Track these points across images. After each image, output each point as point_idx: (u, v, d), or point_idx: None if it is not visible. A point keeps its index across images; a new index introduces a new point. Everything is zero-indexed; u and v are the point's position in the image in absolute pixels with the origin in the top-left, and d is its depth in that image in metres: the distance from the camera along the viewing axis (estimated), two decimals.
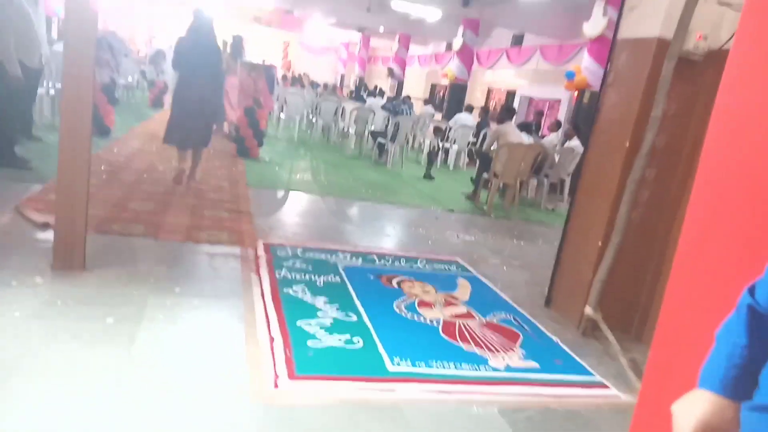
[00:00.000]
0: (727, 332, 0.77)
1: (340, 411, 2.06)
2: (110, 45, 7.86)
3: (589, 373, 2.72)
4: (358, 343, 2.57)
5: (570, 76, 9.07)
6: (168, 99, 11.38)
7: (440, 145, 9.36)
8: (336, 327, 2.68)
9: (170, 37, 17.30)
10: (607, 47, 7.98)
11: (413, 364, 2.46)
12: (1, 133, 4.48)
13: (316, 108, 10.25)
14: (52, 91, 7.02)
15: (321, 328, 2.64)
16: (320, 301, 2.94)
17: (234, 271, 3.20)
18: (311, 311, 2.81)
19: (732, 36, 2.82)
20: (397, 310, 3.04)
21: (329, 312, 2.83)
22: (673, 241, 3.18)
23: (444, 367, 2.49)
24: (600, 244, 3.18)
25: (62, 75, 2.68)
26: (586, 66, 8.72)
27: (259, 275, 3.17)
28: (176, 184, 4.87)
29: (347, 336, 2.60)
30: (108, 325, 2.34)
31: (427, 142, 9.55)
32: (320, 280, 3.25)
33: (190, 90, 4.60)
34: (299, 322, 2.65)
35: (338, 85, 16.72)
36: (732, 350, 0.75)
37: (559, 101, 13.16)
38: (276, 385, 2.11)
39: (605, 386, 2.62)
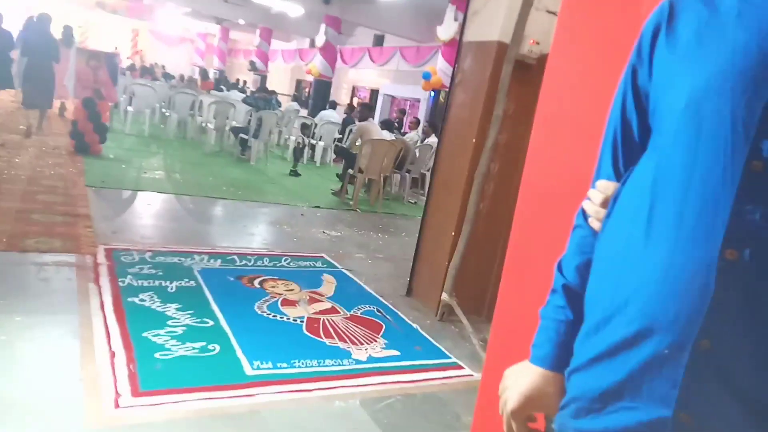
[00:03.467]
0: (551, 310, 0.82)
1: (192, 424, 1.92)
2: None
3: (446, 356, 2.86)
4: (215, 350, 2.42)
5: (426, 76, 9.53)
6: None
7: (306, 142, 9.27)
8: (189, 335, 2.50)
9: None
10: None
11: (274, 366, 2.39)
12: None
13: (170, 101, 9.55)
14: None
15: (172, 337, 2.45)
16: (171, 309, 2.73)
17: (68, 282, 2.84)
18: (161, 320, 2.59)
19: None
20: (259, 311, 2.93)
21: (181, 319, 2.64)
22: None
23: (307, 366, 2.45)
24: (453, 234, 3.37)
25: None
26: (441, 67, 9.22)
27: (98, 284, 2.85)
28: (26, 137, 6.45)
29: (202, 343, 2.45)
30: None
31: (293, 138, 9.41)
32: (172, 286, 3.02)
33: (32, 71, 6.78)
34: (146, 334, 2.43)
35: (198, 77, 15.74)
36: (557, 327, 0.80)
37: (419, 100, 13.77)
38: (117, 405, 1.90)
39: (460, 367, 2.77)
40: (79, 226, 3.72)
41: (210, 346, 2.44)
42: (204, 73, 16.98)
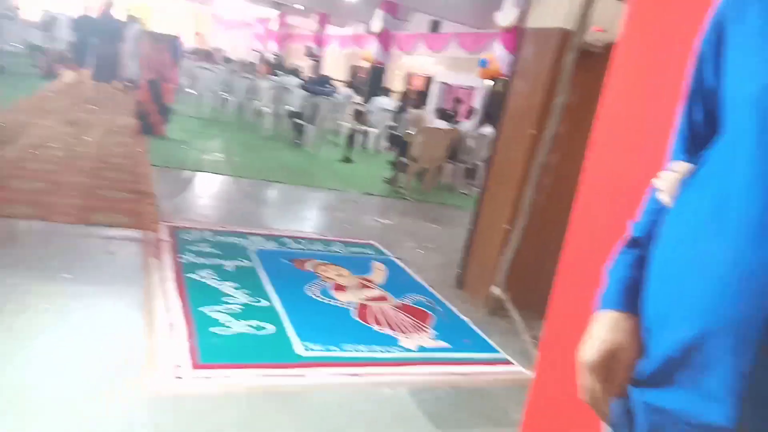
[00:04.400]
0: (617, 263, 0.81)
1: (246, 399, 1.98)
2: None
3: (495, 351, 2.83)
4: (268, 328, 2.49)
5: (483, 64, 9.34)
6: (60, 68, 10.42)
7: (361, 129, 9.30)
8: (245, 313, 2.58)
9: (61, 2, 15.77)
10: (517, 37, 8.29)
11: (325, 348, 2.43)
12: None
13: (229, 85, 9.81)
14: None
15: (229, 314, 2.53)
16: (229, 287, 2.82)
17: (133, 256, 2.98)
18: (218, 297, 2.68)
19: None
20: (310, 294, 2.99)
21: (238, 297, 2.72)
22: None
23: (356, 350, 2.48)
24: (507, 226, 3.31)
25: None
26: (499, 55, 9.02)
27: (160, 260, 2.98)
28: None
29: (257, 322, 2.52)
30: None
31: (347, 124, 9.47)
32: (229, 265, 3.12)
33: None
34: (204, 309, 2.52)
35: (257, 62, 16.10)
36: (623, 272, 0.77)
37: (474, 88, 13.53)
38: (177, 376, 1.99)
39: (510, 363, 2.73)
40: (143, 203, 3.90)
41: (264, 325, 2.50)
42: (262, 58, 17.31)
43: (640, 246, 0.78)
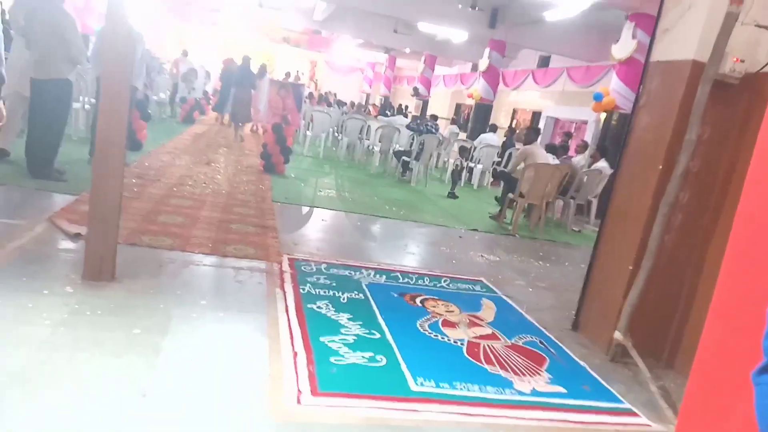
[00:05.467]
0: None
1: (362, 429, 2.03)
2: (145, 62, 8.10)
3: (618, 400, 2.63)
4: (382, 361, 2.54)
5: (598, 97, 8.99)
6: (197, 115, 11.68)
7: (464, 164, 9.33)
8: (359, 344, 2.65)
9: (201, 56, 17.76)
10: (635, 69, 7.91)
11: (437, 385, 2.42)
12: (41, 145, 4.63)
13: (342, 126, 10.35)
14: (87, 106, 7.25)
15: (344, 344, 2.62)
16: (344, 318, 2.93)
17: (259, 285, 3.21)
18: (335, 327, 2.79)
19: None
20: (421, 329, 3.00)
21: (352, 329, 2.82)
22: (706, 266, 3.09)
23: (468, 389, 2.44)
24: (631, 267, 3.11)
25: (99, 90, 2.76)
26: (614, 88, 8.64)
27: (283, 290, 3.18)
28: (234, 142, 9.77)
29: (370, 354, 2.58)
30: (134, 335, 2.36)
31: (452, 161, 9.54)
32: (344, 297, 3.24)
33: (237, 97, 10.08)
34: (323, 338, 2.63)
35: (364, 103, 16.90)
36: None
37: (586, 122, 13.03)
38: (299, 401, 2.09)
39: (635, 414, 2.53)
40: (268, 236, 4.20)
41: (377, 357, 2.56)
42: (371, 99, 18.10)
43: None
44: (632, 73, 8.21)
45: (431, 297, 3.56)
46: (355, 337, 2.72)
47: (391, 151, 9.30)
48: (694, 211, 3.10)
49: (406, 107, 16.75)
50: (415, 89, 19.47)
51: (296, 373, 2.29)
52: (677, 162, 2.91)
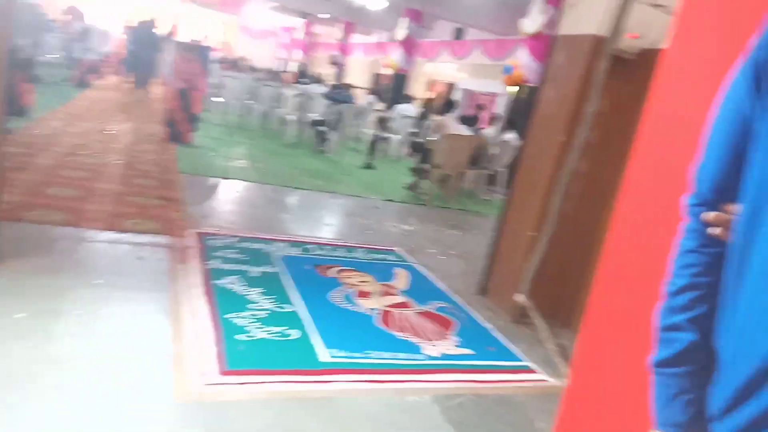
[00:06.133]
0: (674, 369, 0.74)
1: (272, 405, 2.00)
2: (30, 18, 7.28)
3: (519, 359, 2.79)
4: (294, 335, 2.51)
5: (508, 71, 9.29)
6: (94, 78, 10.74)
7: (383, 135, 9.33)
8: (270, 319, 2.60)
9: (96, 13, 16.25)
10: (544, 44, 8.22)
11: (349, 355, 2.44)
12: None
13: (255, 93, 9.95)
14: None
15: (255, 320, 2.56)
16: (254, 293, 2.85)
17: (161, 261, 3.04)
18: (244, 303, 2.72)
19: (663, 37, 2.96)
20: (334, 301, 3.00)
21: (264, 304, 2.75)
22: (601, 232, 3.31)
23: (380, 357, 2.48)
24: (533, 234, 3.27)
25: None
26: (524, 61, 8.96)
27: (188, 266, 3.03)
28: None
29: (282, 328, 2.54)
30: (19, 320, 2.16)
31: (369, 131, 9.51)
32: (255, 271, 3.16)
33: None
34: (231, 315, 2.55)
35: (282, 70, 16.36)
36: (683, 384, 0.72)
37: (497, 95, 13.47)
38: (205, 382, 2.02)
39: (534, 371, 2.70)
40: (172, 209, 3.97)
41: (289, 331, 2.52)
42: (286, 66, 17.54)
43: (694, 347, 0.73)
44: (540, 48, 8.53)
45: (346, 268, 3.56)
46: (266, 312, 2.66)
47: (306, 121, 9.09)
48: (593, 181, 3.29)
49: (323, 76, 16.43)
50: (332, 57, 19.10)
51: (202, 352, 2.20)
52: (577, 133, 3.07)
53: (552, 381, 2.64)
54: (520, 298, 3.21)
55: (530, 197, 3.38)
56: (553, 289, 3.38)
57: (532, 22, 8.65)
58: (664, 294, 0.77)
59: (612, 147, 3.26)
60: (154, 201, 4.09)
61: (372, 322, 2.85)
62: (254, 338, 2.40)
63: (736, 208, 0.68)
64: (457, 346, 2.77)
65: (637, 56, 3.08)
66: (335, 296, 3.06)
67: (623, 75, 3.12)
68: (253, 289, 2.89)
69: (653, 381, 0.76)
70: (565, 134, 3.16)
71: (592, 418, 1.55)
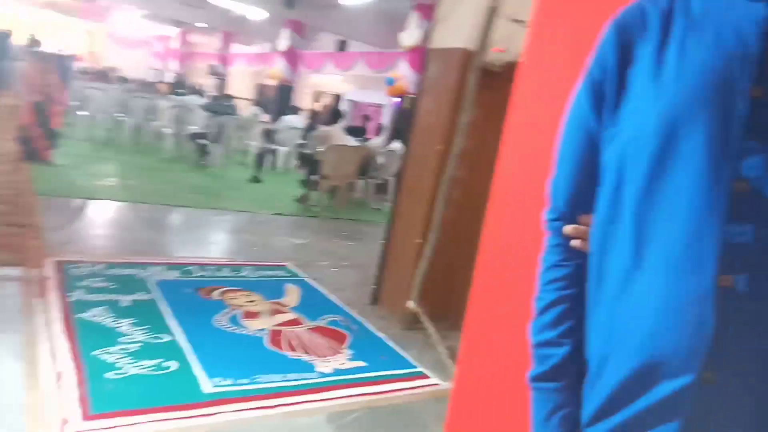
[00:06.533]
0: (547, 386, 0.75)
1: None
2: None
3: (412, 366, 2.82)
4: (172, 367, 2.31)
5: (390, 82, 9.53)
6: None
7: (270, 148, 9.10)
8: (144, 352, 2.37)
9: None
10: (422, 57, 8.55)
11: (235, 383, 2.29)
12: None
13: (126, 105, 9.24)
14: None
15: (126, 355, 2.31)
16: (125, 324, 2.59)
17: (13, 297, 2.67)
18: (114, 337, 2.45)
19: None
20: (219, 325, 2.82)
21: (136, 335, 2.51)
22: (480, 236, 3.47)
23: (269, 381, 2.36)
24: (419, 241, 3.34)
25: None
26: (405, 73, 9.25)
27: (47, 300, 2.68)
28: None
29: (158, 361, 2.32)
30: None
31: (255, 143, 9.23)
32: (126, 300, 2.87)
33: None
34: (98, 352, 2.28)
35: (157, 81, 15.35)
36: (558, 399, 0.73)
37: (383, 105, 13.78)
38: (64, 431, 1.77)
39: (426, 376, 2.73)
40: (27, 237, 3.50)
41: (166, 364, 2.32)
42: (161, 76, 16.56)
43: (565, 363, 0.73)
44: (419, 60, 8.86)
45: (231, 288, 3.38)
46: (139, 345, 2.42)
47: (185, 134, 8.60)
48: (470, 187, 3.43)
49: (202, 87, 15.74)
50: (212, 67, 18.39)
51: (62, 397, 1.94)
52: (454, 142, 3.19)
53: (444, 384, 2.69)
54: (411, 304, 3.25)
55: (415, 205, 3.45)
56: (441, 293, 3.47)
57: (410, 36, 8.97)
58: (534, 310, 0.78)
59: (486, 155, 3.42)
60: (3, 228, 3.58)
61: (261, 343, 2.71)
62: (125, 375, 2.16)
63: (591, 219, 0.71)
64: (349, 359, 2.73)
65: (504, 69, 3.28)
66: (220, 320, 2.88)
67: (492, 86, 3.30)
68: (123, 320, 2.62)
69: (531, 396, 0.77)
70: (442, 143, 3.27)
71: (479, 418, 1.59)
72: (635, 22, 0.68)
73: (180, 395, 2.11)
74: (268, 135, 9.31)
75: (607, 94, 0.69)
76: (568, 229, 0.74)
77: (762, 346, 0.54)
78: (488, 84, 3.27)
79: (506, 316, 1.47)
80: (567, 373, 0.72)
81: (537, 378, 0.75)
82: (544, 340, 0.74)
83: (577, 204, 0.74)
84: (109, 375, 2.14)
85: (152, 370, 2.24)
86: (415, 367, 2.81)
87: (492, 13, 3.12)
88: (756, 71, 0.56)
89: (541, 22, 1.41)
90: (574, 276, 0.73)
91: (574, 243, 0.73)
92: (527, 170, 1.38)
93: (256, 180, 7.65)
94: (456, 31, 3.30)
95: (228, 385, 2.25)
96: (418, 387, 2.62)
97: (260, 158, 8.21)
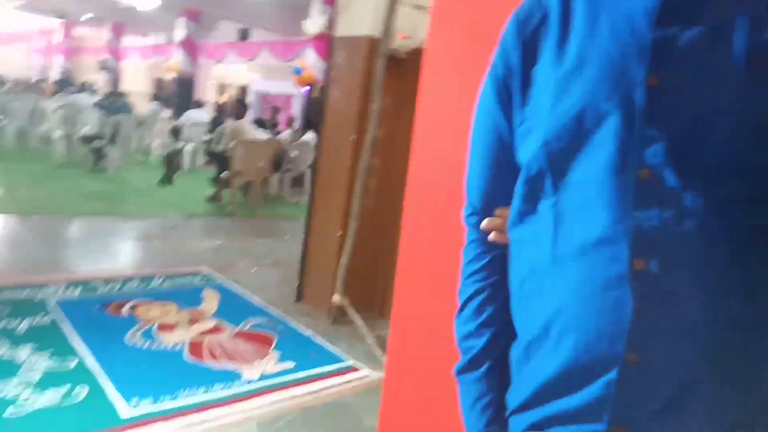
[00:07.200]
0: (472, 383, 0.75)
1: None
2: None
3: (341, 360, 2.80)
4: (82, 393, 2.12)
5: (297, 71, 9.32)
6: None
7: (174, 146, 8.58)
8: (49, 380, 2.16)
9: None
10: (328, 44, 8.42)
11: (156, 401, 2.15)
12: None
13: (5, 108, 8.34)
14: None
15: (26, 386, 2.10)
16: (24, 352, 2.34)
17: None
18: (11, 369, 2.21)
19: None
20: (131, 342, 2.63)
21: (38, 363, 2.28)
22: (399, 224, 3.50)
23: (193, 395, 2.24)
24: (340, 233, 3.31)
25: None
26: (312, 62, 9.08)
27: None
28: None
29: (66, 388, 2.13)
30: None
31: (160, 142, 8.70)
32: (23, 326, 2.60)
33: None
34: None
35: (40, 80, 13.98)
36: (480, 387, 0.74)
37: (292, 96, 13.50)
38: None
39: (357, 369, 2.72)
40: None
41: (76, 391, 2.13)
42: (45, 75, 15.13)
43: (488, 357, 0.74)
44: (325, 48, 8.74)
45: (142, 301, 3.17)
46: (41, 374, 2.20)
47: (78, 136, 7.92)
48: (387, 176, 3.44)
49: (93, 83, 14.57)
50: (103, 62, 17.07)
51: None
52: (367, 131, 3.17)
53: (376, 375, 2.70)
54: (337, 298, 3.22)
55: (333, 197, 3.41)
56: (366, 283, 3.47)
57: (314, 23, 8.82)
58: (458, 304, 0.78)
59: (399, 143, 3.44)
60: None
61: (181, 356, 2.57)
62: (28, 410, 1.96)
63: (507, 212, 0.71)
64: (277, 361, 2.66)
65: (410, 56, 3.29)
66: (132, 337, 2.69)
67: (400, 73, 3.31)
68: (20, 349, 2.37)
69: (458, 389, 0.77)
70: (355, 132, 3.24)
71: (413, 405, 1.59)
72: (535, 15, 0.68)
73: (95, 422, 1.95)
74: (174, 132, 8.80)
75: (512, 90, 0.69)
76: (484, 224, 0.74)
77: (678, 323, 0.56)
78: (396, 71, 3.28)
79: (432, 305, 1.49)
80: (488, 362, 0.73)
81: (460, 371, 0.76)
82: (466, 332, 0.75)
83: (492, 199, 0.74)
84: (9, 412, 1.92)
85: (60, 399, 2.05)
86: (344, 360, 2.79)
87: (394, 1, 3.11)
88: (651, 60, 0.58)
89: (442, 8, 1.41)
90: (493, 266, 0.74)
91: (492, 237, 0.74)
92: (441, 160, 1.39)
93: (167, 182, 7.24)
94: (360, 18, 3.26)
95: (148, 406, 2.11)
96: (350, 381, 2.60)
97: (170, 158, 7.74)
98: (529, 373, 0.67)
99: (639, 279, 0.56)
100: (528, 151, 0.66)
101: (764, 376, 0.59)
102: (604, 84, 0.59)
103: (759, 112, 0.54)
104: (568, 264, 0.61)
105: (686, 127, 0.56)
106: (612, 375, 0.58)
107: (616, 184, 0.58)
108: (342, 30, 3.39)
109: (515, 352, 0.70)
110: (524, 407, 0.67)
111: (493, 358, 0.73)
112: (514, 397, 0.69)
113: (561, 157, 0.62)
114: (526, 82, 0.67)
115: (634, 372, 0.57)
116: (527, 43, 0.68)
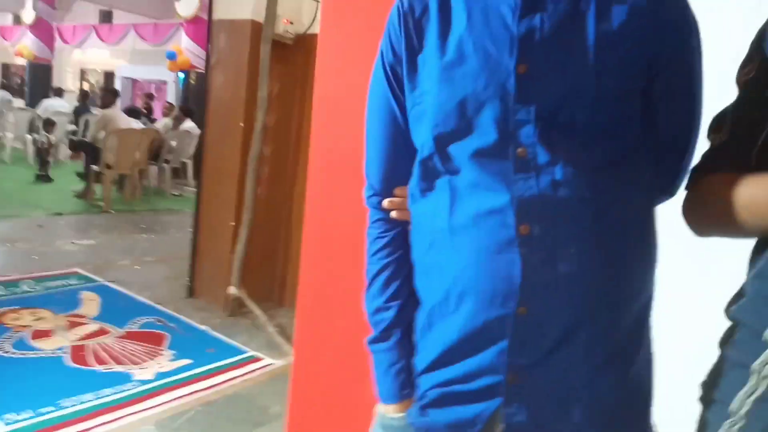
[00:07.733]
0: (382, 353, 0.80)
1: None
2: None
3: (242, 352, 2.74)
4: None
5: (171, 56, 8.72)
6: None
7: (48, 139, 7.61)
8: None
9: None
10: (203, 28, 7.95)
11: (36, 414, 1.96)
12: None
13: None
14: None
15: None
16: None
17: None
18: None
19: (315, 22, 3.18)
20: (2, 352, 2.36)
21: None
22: (295, 210, 3.48)
23: (79, 402, 2.08)
24: (233, 223, 3.21)
25: None
26: (186, 46, 8.53)
27: None
28: None
29: None
30: None
31: (10, 135, 7.70)
32: None
33: None
34: None
35: None
36: (391, 356, 0.79)
37: (166, 82, 12.64)
38: None
39: (258, 359, 2.69)
40: None
41: None
42: None
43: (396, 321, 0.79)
44: (200, 32, 8.27)
45: (10, 308, 2.85)
46: None
47: None
48: (279, 163, 3.40)
49: None
50: None
51: None
52: (256, 118, 3.10)
53: (279, 362, 2.68)
54: (233, 289, 3.14)
55: (223, 186, 3.29)
56: (263, 272, 3.41)
57: (187, 6, 8.29)
58: (365, 282, 0.83)
59: (288, 129, 3.42)
60: None
61: (61, 363, 2.36)
62: None
63: (406, 191, 0.77)
64: (172, 359, 2.54)
65: (295, 41, 3.26)
66: (2, 346, 2.41)
67: (286, 59, 3.27)
68: None
69: (371, 359, 0.82)
70: (243, 119, 3.15)
71: (322, 392, 1.62)
72: (416, 8, 0.73)
73: None
74: (49, 126, 7.79)
75: (401, 75, 0.74)
76: (386, 203, 0.80)
77: (559, 277, 0.66)
78: (282, 56, 3.23)
79: (338, 288, 1.52)
80: (397, 332, 0.79)
81: (373, 341, 0.81)
82: (375, 307, 0.81)
83: (391, 179, 0.80)
84: None
85: None
86: (245, 352, 2.74)
87: None
88: (519, 50, 0.65)
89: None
90: (396, 242, 0.80)
91: (393, 215, 0.80)
92: (340, 145, 1.42)
93: (45, 179, 6.51)
94: (241, 1, 3.16)
95: (26, 419, 1.92)
96: (253, 371, 2.57)
97: (41, 152, 6.90)
98: (432, 338, 0.74)
99: (525, 241, 0.64)
100: (420, 134, 0.72)
101: (631, 312, 0.70)
102: (482, 74, 0.67)
103: (612, 88, 0.64)
104: (463, 233, 0.68)
105: (552, 108, 0.65)
106: (507, 334, 0.66)
107: (500, 162, 0.66)
108: (220, 13, 3.26)
109: (419, 318, 0.77)
110: (430, 368, 0.74)
111: (402, 327, 0.79)
112: (421, 359, 0.76)
113: (449, 140, 0.69)
114: (412, 68, 0.73)
115: (524, 324, 0.66)
116: (411, 32, 0.73)
